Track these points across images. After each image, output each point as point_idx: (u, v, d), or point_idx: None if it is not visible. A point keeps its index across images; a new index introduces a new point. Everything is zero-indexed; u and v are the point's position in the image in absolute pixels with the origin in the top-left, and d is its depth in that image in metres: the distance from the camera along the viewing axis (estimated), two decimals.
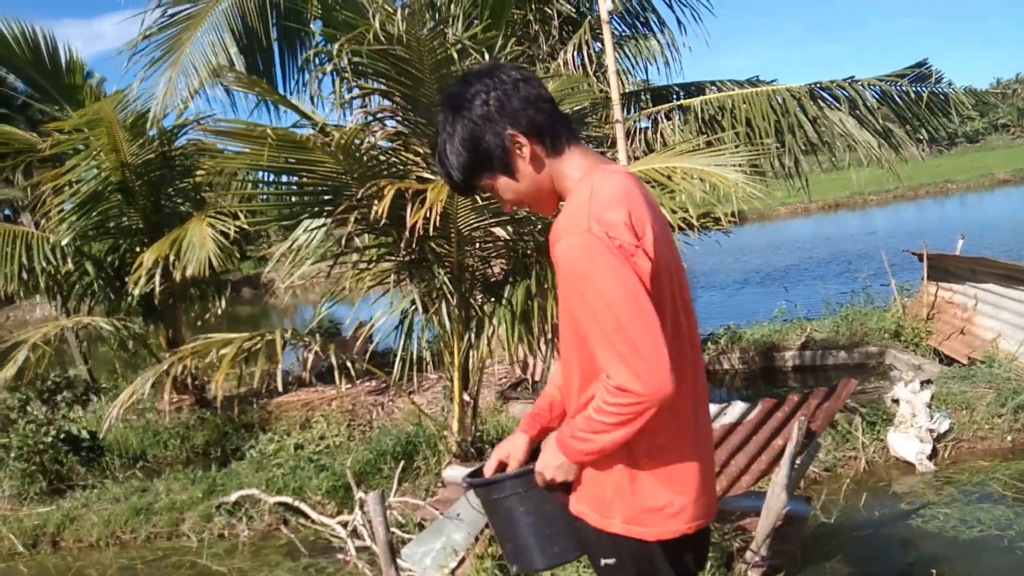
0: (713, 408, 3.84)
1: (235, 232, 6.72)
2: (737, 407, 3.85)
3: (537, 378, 7.38)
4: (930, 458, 5.14)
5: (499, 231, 4.64)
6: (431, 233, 4.21)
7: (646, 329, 1.56)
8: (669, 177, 4.18)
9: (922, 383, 5.57)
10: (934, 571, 3.79)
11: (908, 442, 5.21)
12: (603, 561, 1.81)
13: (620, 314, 1.56)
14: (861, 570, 4.00)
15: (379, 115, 4.67)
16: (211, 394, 8.27)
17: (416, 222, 3.95)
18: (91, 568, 5.18)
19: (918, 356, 7.16)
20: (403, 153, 4.71)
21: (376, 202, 4.02)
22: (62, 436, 6.33)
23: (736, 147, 5.01)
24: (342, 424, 7.40)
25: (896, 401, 5.55)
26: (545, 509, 1.88)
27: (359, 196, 4.15)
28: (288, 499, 5.27)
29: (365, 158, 4.37)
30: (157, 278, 6.84)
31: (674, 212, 4.19)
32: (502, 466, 1.96)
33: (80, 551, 5.51)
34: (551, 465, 1.78)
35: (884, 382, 6.47)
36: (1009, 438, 5.37)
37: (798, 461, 3.70)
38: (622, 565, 1.79)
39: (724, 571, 3.82)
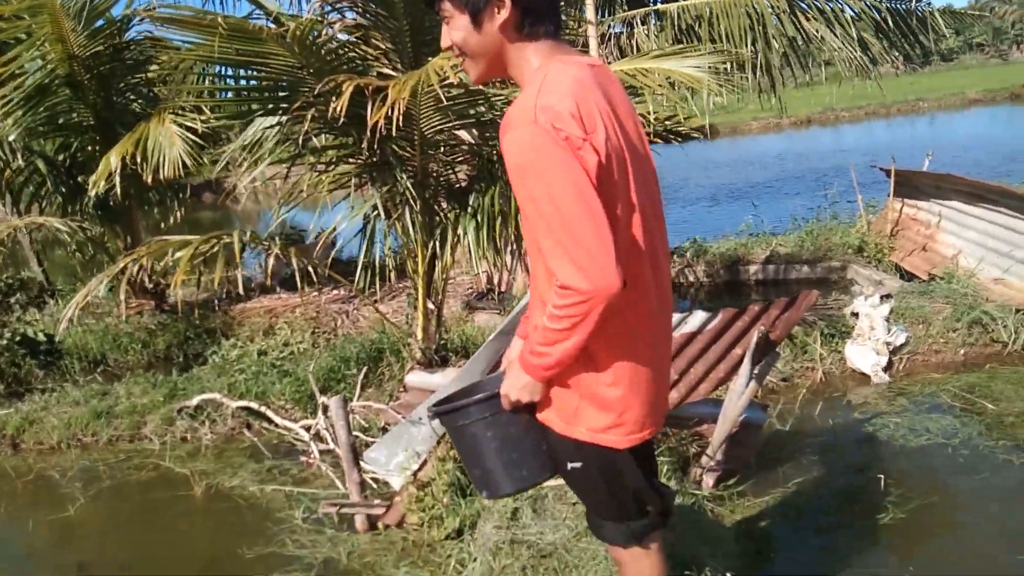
0: (674, 317, 3.84)
1: (202, 128, 6.46)
2: (698, 316, 3.86)
3: (503, 289, 7.36)
4: (885, 370, 5.26)
5: (464, 134, 4.49)
6: (393, 134, 4.06)
7: (591, 223, 1.52)
8: (634, 77, 4.04)
9: (882, 297, 5.64)
10: (882, 476, 3.91)
11: (865, 355, 5.31)
12: (570, 465, 1.84)
13: (565, 208, 1.52)
14: (813, 475, 4.12)
15: (338, 5, 4.42)
16: (172, 299, 8.15)
17: (377, 121, 3.79)
18: (52, 470, 5.16)
19: (880, 272, 7.25)
20: (363, 47, 4.49)
21: (334, 99, 3.84)
22: (17, 339, 6.20)
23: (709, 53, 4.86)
24: (306, 331, 7.36)
25: (855, 315, 5.64)
26: (511, 433, 1.89)
27: (316, 92, 3.96)
28: (251, 403, 5.26)
29: (323, 51, 4.15)
30: (118, 179, 6.59)
31: (641, 116, 4.08)
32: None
33: (40, 453, 5.48)
34: (516, 386, 1.78)
35: (845, 296, 6.55)
36: (962, 352, 5.50)
37: (756, 370, 3.75)
38: (587, 469, 1.83)
39: (680, 475, 3.91)
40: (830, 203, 9.21)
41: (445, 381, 4.08)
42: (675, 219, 12.35)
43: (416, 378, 4.49)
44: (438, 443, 3.83)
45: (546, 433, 1.87)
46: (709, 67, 4.04)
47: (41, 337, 6.44)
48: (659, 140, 4.50)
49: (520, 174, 1.57)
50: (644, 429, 1.82)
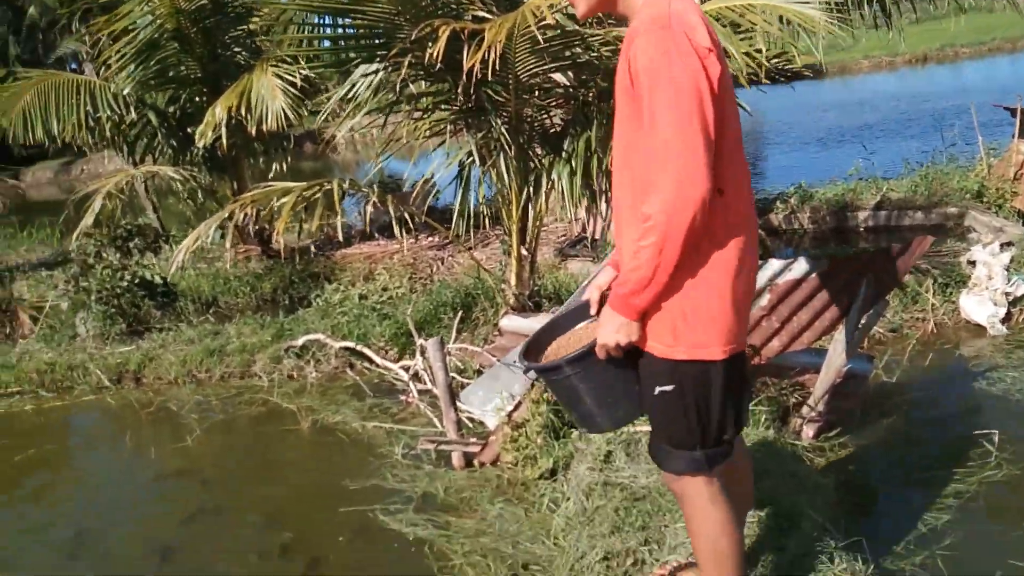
0: (778, 263, 3.73)
1: (300, 80, 6.62)
2: (803, 263, 3.72)
3: (596, 236, 7.30)
4: (1003, 322, 4.96)
5: (559, 77, 4.42)
6: (488, 79, 4.03)
7: (703, 131, 1.61)
8: (742, 15, 3.85)
9: (1002, 245, 5.30)
10: (995, 432, 3.72)
11: (981, 305, 5.02)
12: (659, 389, 1.87)
13: (683, 113, 1.60)
14: (920, 429, 3.97)
15: None
16: (276, 244, 8.49)
17: (472, 66, 3.78)
18: (171, 402, 5.52)
19: (1000, 218, 6.79)
20: None
21: (430, 45, 3.84)
22: (137, 281, 6.60)
23: None
24: (403, 277, 7.53)
25: (972, 263, 5.32)
26: (606, 380, 1.95)
27: (412, 38, 3.97)
28: (353, 344, 5.46)
29: None
30: (224, 130, 6.86)
31: (748, 56, 3.90)
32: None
33: (160, 387, 5.87)
34: (611, 330, 1.82)
35: (961, 244, 6.18)
36: None
37: (864, 318, 3.61)
38: (679, 390, 1.86)
39: (779, 425, 3.84)
40: (947, 146, 8.63)
41: (537, 325, 4.10)
42: (778, 165, 11.88)
43: (510, 323, 4.54)
44: (532, 386, 3.88)
45: (639, 366, 1.92)
46: (822, 2, 3.82)
47: (158, 280, 6.84)
48: (767, 80, 4.30)
49: (651, 77, 1.63)
50: (738, 341, 1.87)
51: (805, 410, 3.80)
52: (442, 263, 7.88)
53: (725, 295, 1.80)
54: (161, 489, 4.45)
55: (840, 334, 3.62)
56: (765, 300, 3.67)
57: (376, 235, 8.72)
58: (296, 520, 3.86)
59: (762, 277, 3.65)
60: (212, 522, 3.97)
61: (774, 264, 3.70)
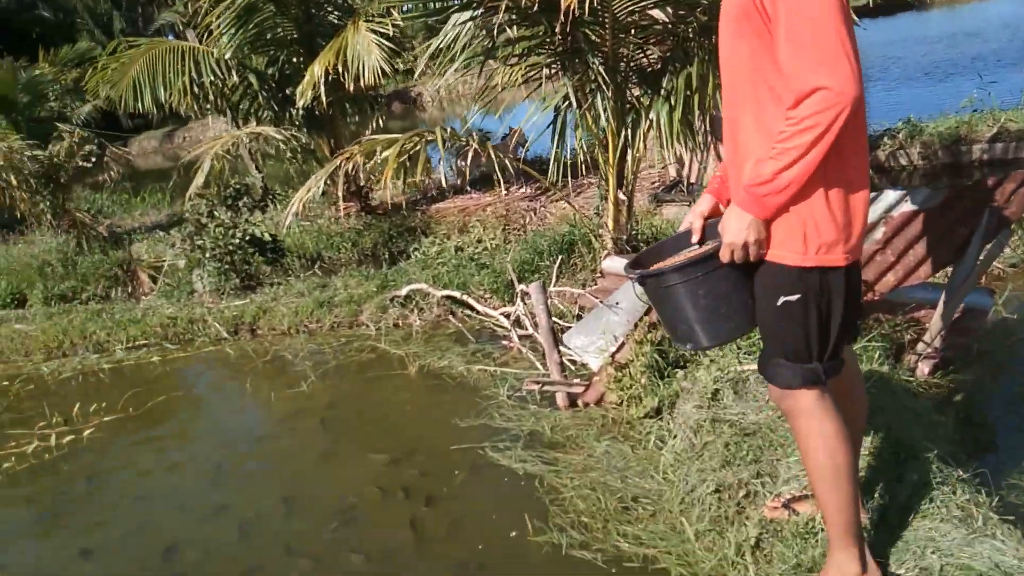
0: (893, 195, 3.59)
1: (393, 31, 6.72)
2: (921, 193, 3.57)
3: (692, 181, 7.17)
4: None
5: (658, 13, 4.33)
6: (585, 18, 4.00)
7: (847, 31, 1.68)
8: None
9: None
10: None
11: None
12: (783, 299, 1.90)
13: (826, 13, 1.66)
14: None
15: None
16: (375, 201, 8.73)
17: (569, 5, 3.75)
18: (285, 351, 5.82)
19: None
20: None
21: None
22: (247, 238, 6.92)
23: None
24: (497, 228, 7.63)
25: None
26: (721, 290, 1.95)
27: None
28: (454, 292, 5.59)
29: None
30: (322, 89, 7.05)
31: None
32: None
33: (274, 338, 6.18)
34: (739, 229, 1.85)
35: None
36: None
37: (984, 251, 3.46)
38: (803, 300, 1.89)
39: (892, 363, 3.74)
40: None
41: None
42: (883, 101, 11.29)
43: (613, 264, 4.55)
44: (635, 326, 3.90)
45: (759, 277, 1.95)
46: None
47: (267, 237, 7.15)
48: (867, 17, 4.09)
49: None
50: (857, 252, 1.92)
51: (920, 347, 3.69)
52: (535, 214, 7.92)
53: (850, 205, 1.86)
54: (285, 430, 4.72)
55: (959, 267, 3.48)
56: (880, 233, 3.55)
57: (469, 189, 8.83)
58: (412, 458, 4.04)
59: (876, 209, 3.53)
60: (335, 460, 4.20)
61: (889, 196, 3.56)
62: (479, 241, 7.34)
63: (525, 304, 4.84)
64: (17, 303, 8.31)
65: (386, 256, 7.63)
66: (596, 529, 3.20)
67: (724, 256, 1.88)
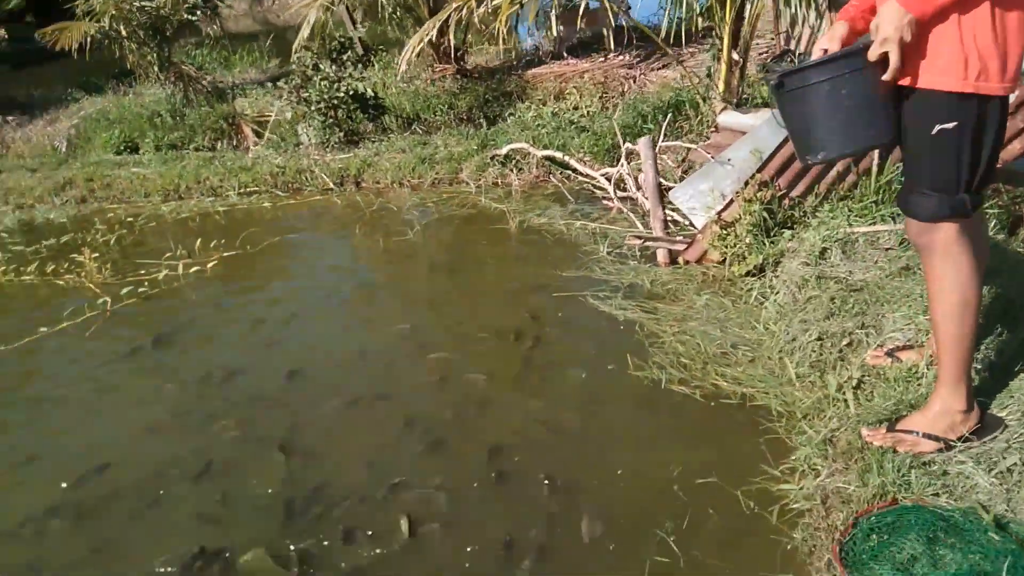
0: None
1: None
2: None
3: (802, 49, 6.89)
4: None
5: None
6: None
7: None
8: None
9: None
10: None
11: None
12: (938, 127, 1.92)
13: None
14: None
15: None
16: (471, 64, 8.70)
17: None
18: (390, 203, 6.05)
19: None
20: None
21: None
22: (351, 93, 7.06)
23: None
24: (594, 96, 7.56)
25: None
26: (865, 92, 1.92)
27: None
28: (555, 153, 5.66)
29: None
30: None
31: None
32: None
33: (377, 191, 6.41)
34: (896, 25, 1.84)
35: None
36: None
37: None
38: (959, 128, 1.91)
39: (1006, 235, 3.70)
40: None
41: (757, 122, 4.08)
42: None
43: (729, 118, 4.51)
44: (745, 184, 3.93)
45: (909, 105, 1.96)
46: None
47: (370, 93, 7.27)
48: None
49: None
50: (1013, 82, 1.90)
51: None
52: (633, 82, 7.79)
53: (1010, 37, 1.85)
54: (396, 273, 4.98)
55: None
56: (1013, 96, 3.44)
57: (565, 55, 8.69)
58: (518, 303, 4.25)
59: None
60: (447, 303, 4.44)
61: None
62: (575, 108, 7.31)
63: (629, 164, 4.88)
64: (130, 150, 8.75)
65: (481, 120, 7.68)
66: (695, 369, 3.37)
67: (874, 53, 1.87)
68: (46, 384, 4.09)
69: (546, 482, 2.83)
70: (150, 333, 4.47)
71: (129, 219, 6.60)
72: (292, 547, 2.64)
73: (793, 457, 2.79)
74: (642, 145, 3.98)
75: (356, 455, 3.10)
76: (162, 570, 2.62)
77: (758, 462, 2.82)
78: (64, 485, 3.14)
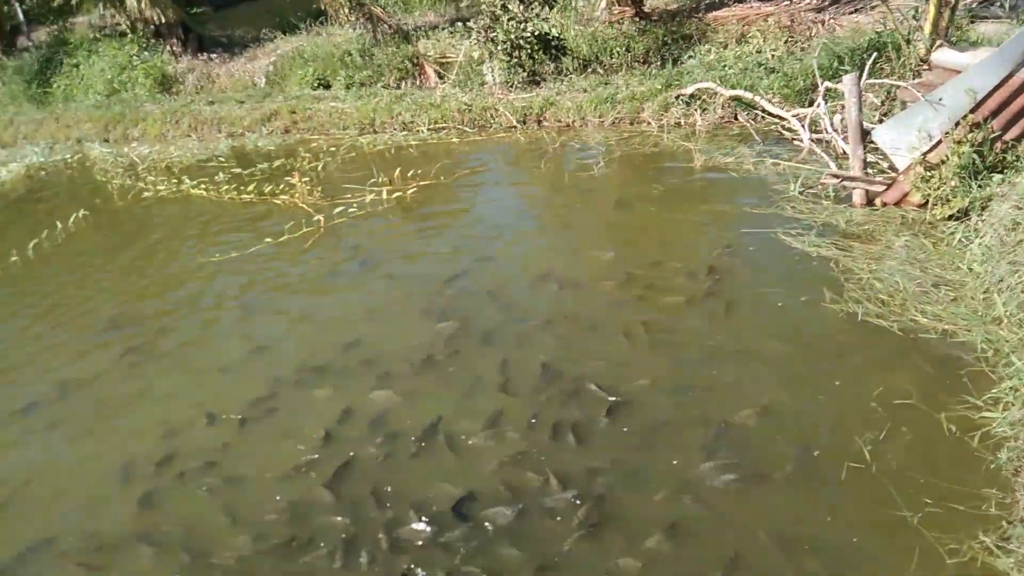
0: None
1: None
2: None
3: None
4: None
5: None
6: None
7: None
8: None
9: None
10: None
11: None
12: None
13: None
14: None
15: None
16: (649, 7, 8.68)
17: None
18: (572, 141, 6.29)
19: None
20: None
21: None
22: (536, 34, 7.29)
23: None
24: (779, 40, 7.39)
25: None
26: None
27: None
28: (743, 93, 5.67)
29: None
30: None
31: None
32: None
33: (559, 129, 6.66)
34: None
35: None
36: None
37: None
38: None
39: None
40: None
41: (974, 61, 3.97)
42: None
43: (943, 56, 4.38)
44: (955, 125, 3.86)
45: None
46: None
47: (554, 33, 7.47)
48: None
49: None
50: None
51: None
52: (822, 25, 7.54)
53: None
54: (586, 205, 5.22)
55: None
56: None
57: None
58: (708, 236, 4.41)
59: None
60: (640, 235, 4.64)
61: None
62: (758, 52, 7.19)
63: (826, 103, 4.86)
64: (322, 87, 9.41)
65: (659, 63, 7.71)
66: (893, 305, 3.43)
67: None
68: (279, 281, 4.70)
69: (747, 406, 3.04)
70: (363, 247, 4.98)
71: (331, 148, 7.20)
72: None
73: (996, 390, 2.85)
74: (846, 82, 3.98)
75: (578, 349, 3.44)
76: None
77: (959, 392, 2.90)
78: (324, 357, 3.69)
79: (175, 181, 6.81)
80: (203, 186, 6.53)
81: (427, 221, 5.32)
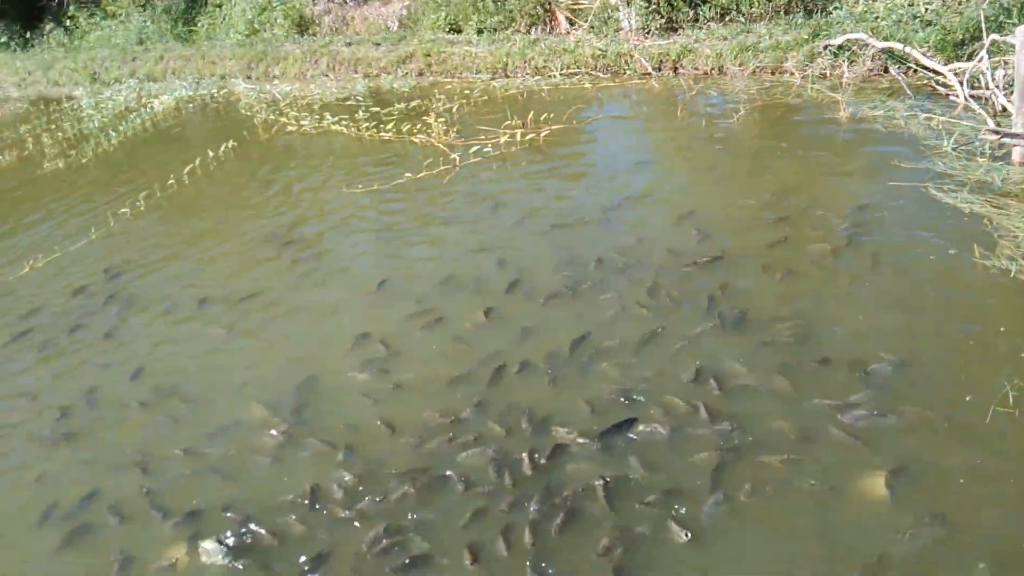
0: None
1: None
2: None
3: None
4: None
5: None
6: None
7: None
8: None
9: None
10: None
11: None
12: None
13: None
14: None
15: None
16: None
17: None
18: (710, 89, 6.22)
19: None
20: None
21: None
22: None
23: None
24: None
25: None
26: None
27: None
28: (896, 44, 5.45)
29: None
30: None
31: None
32: None
33: (696, 77, 6.58)
34: None
35: None
36: None
37: None
38: None
39: None
40: None
41: None
42: None
43: None
44: None
45: None
46: None
47: None
48: None
49: None
50: None
51: None
52: None
53: None
54: (721, 152, 5.18)
55: None
56: None
57: None
58: (851, 188, 4.33)
59: None
60: (783, 183, 4.49)
61: None
62: (910, 4, 6.83)
63: (990, 56, 4.63)
64: (454, 32, 9.57)
65: (802, 12, 7.44)
66: None
67: None
68: (420, 211, 4.93)
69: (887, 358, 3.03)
70: (499, 186, 5.14)
71: (465, 91, 7.36)
72: None
73: None
74: (1019, 34, 3.79)
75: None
76: None
77: None
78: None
79: (317, 117, 7.14)
80: (343, 123, 6.84)
81: (561, 162, 5.43)
